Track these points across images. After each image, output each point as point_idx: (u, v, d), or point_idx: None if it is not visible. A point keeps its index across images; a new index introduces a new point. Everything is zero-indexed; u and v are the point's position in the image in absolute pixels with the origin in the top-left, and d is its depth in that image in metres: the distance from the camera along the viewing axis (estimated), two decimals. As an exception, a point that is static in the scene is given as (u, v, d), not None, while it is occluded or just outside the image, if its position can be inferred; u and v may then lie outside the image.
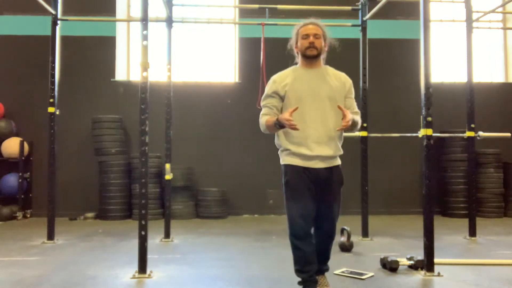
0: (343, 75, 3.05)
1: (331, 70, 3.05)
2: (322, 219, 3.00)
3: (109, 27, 7.59)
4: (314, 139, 2.87)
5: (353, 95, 3.06)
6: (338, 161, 3.02)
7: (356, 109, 3.05)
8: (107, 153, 7.07)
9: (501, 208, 7.18)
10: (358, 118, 2.97)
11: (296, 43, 2.99)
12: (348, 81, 3.04)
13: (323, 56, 3.02)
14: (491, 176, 7.18)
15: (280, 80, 2.95)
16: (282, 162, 2.99)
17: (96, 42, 7.52)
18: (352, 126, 2.91)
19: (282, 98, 2.94)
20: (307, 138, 2.86)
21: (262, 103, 3.00)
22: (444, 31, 8.08)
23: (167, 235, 5.22)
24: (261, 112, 2.99)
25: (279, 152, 3.04)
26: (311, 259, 2.94)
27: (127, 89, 7.48)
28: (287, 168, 2.94)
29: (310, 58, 2.95)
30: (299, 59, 3.03)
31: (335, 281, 3.44)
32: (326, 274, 3.20)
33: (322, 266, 3.15)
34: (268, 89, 2.99)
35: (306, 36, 2.91)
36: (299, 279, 3.00)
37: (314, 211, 2.93)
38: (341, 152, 3.02)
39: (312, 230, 3.03)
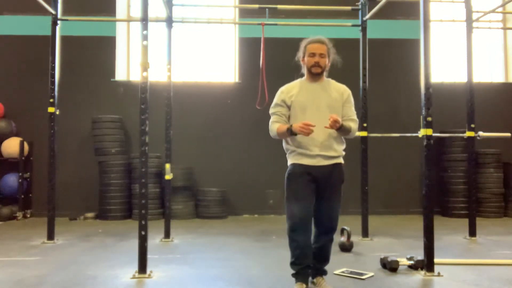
0: (342, 87, 3.27)
1: (333, 82, 3.28)
2: (322, 215, 3.13)
3: (109, 27, 7.58)
4: (316, 143, 3.08)
5: (351, 104, 3.23)
6: (340, 160, 3.18)
7: (353, 117, 3.21)
8: (107, 153, 7.07)
9: (501, 208, 7.18)
10: (352, 125, 3.14)
11: (303, 57, 3.20)
12: (346, 91, 3.25)
13: (326, 69, 3.23)
14: (491, 176, 7.18)
15: (287, 91, 3.21)
16: (289, 162, 3.19)
17: (96, 42, 7.52)
18: (345, 131, 3.09)
19: (289, 107, 3.17)
20: (310, 142, 3.07)
21: (271, 111, 3.23)
22: (444, 31, 8.08)
23: (167, 235, 5.23)
24: (271, 120, 3.21)
25: (287, 155, 3.22)
26: (306, 253, 3.07)
27: (127, 89, 7.48)
28: (291, 166, 3.17)
29: (315, 74, 3.16)
30: (305, 71, 3.23)
31: (335, 281, 3.45)
32: (325, 277, 3.26)
33: (321, 265, 3.24)
34: (276, 98, 3.23)
35: (313, 54, 3.14)
36: (293, 271, 3.13)
37: (312, 207, 3.08)
38: (343, 153, 3.19)
39: (314, 230, 3.17)
